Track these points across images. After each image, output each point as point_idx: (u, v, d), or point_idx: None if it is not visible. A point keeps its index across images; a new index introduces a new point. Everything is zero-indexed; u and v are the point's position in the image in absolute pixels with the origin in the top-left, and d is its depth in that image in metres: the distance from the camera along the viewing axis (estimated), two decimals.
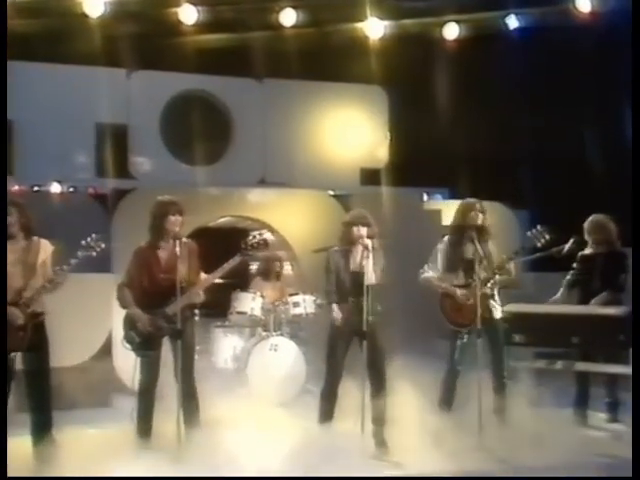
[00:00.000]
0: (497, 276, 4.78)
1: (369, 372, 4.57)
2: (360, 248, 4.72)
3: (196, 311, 4.81)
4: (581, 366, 5.19)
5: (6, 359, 4.16)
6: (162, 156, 7.60)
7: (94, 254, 4.36)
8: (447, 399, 4.81)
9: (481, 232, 4.83)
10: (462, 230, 4.85)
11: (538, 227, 4.80)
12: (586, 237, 5.47)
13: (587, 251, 5.48)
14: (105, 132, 7.34)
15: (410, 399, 4.82)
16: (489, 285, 4.75)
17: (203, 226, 6.64)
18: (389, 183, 7.70)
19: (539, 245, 4.82)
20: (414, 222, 6.85)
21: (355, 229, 4.75)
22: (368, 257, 4.63)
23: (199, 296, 4.60)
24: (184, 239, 4.68)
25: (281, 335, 6.06)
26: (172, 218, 4.57)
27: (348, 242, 4.79)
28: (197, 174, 7.42)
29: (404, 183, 7.68)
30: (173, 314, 4.51)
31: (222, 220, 7.07)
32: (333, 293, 4.82)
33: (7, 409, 4.10)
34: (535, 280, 6.51)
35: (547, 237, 4.77)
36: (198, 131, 7.36)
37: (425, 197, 8.10)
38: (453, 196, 7.85)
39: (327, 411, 4.62)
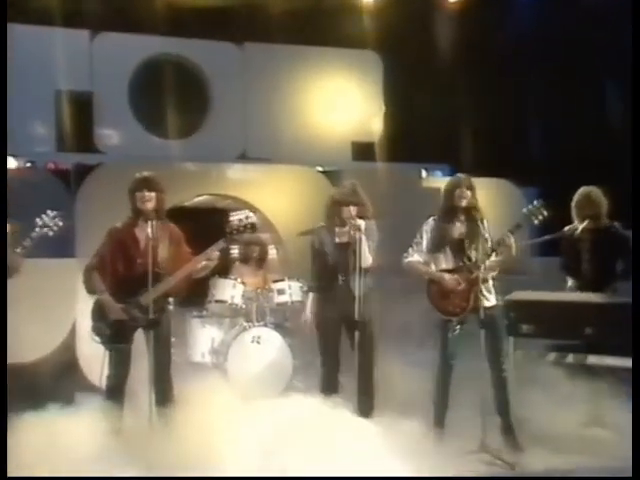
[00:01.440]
0: (492, 257, 4.70)
1: (357, 363, 4.60)
2: (350, 228, 4.69)
3: (170, 300, 4.82)
4: (594, 360, 5.19)
5: (6, 359, 4.14)
6: (131, 128, 7.53)
7: (51, 234, 4.28)
8: (441, 397, 4.77)
9: (470, 210, 4.78)
10: (449, 209, 4.80)
11: (535, 202, 4.72)
12: (574, 213, 5.43)
13: (575, 229, 5.44)
14: (67, 100, 7.25)
15: (402, 395, 4.82)
16: (482, 269, 4.68)
17: (178, 206, 6.54)
18: (384, 158, 7.68)
19: (536, 222, 4.74)
20: (411, 201, 6.78)
21: (345, 209, 4.71)
22: (360, 238, 4.59)
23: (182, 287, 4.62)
24: (168, 222, 4.69)
25: (265, 326, 6.05)
26: (139, 195, 4.55)
27: (336, 222, 4.76)
28: (171, 148, 7.38)
29: (400, 158, 7.65)
30: (148, 303, 4.50)
31: (199, 199, 7.02)
32: (316, 278, 4.77)
33: (7, 409, 4.10)
34: (544, 265, 6.50)
35: (545, 214, 4.69)
36: (172, 100, 7.31)
37: (424, 173, 8.08)
38: (454, 172, 7.69)
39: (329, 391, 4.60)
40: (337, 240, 4.78)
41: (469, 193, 4.79)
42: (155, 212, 4.58)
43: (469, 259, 4.69)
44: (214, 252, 4.54)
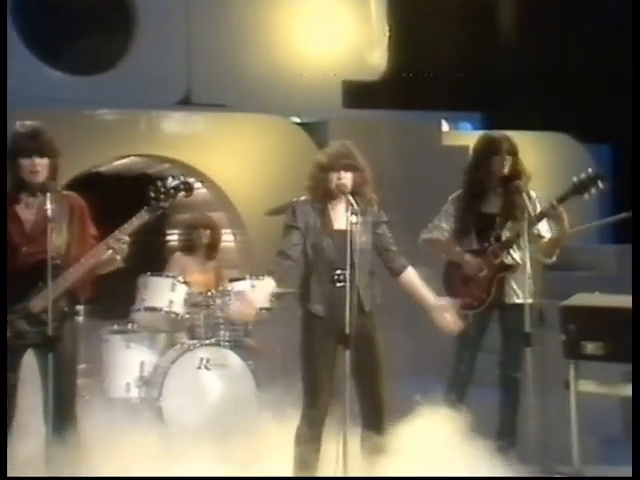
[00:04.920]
0: (542, 232, 4.92)
1: (358, 397, 4.61)
2: (343, 204, 4.68)
3: (79, 307, 4.81)
4: None
5: (6, 359, 4.38)
6: (21, 58, 7.46)
7: None
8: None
9: (512, 179, 5.01)
10: (481, 181, 5.04)
11: (590, 171, 4.90)
12: None
13: None
14: None
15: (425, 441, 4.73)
16: (512, 252, 4.95)
17: (91, 171, 6.63)
18: (388, 105, 7.69)
19: (587, 197, 4.91)
20: (428, 164, 6.86)
21: (334, 176, 4.70)
22: (356, 219, 4.60)
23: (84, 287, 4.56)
24: (64, 192, 4.65)
25: (217, 344, 6.04)
26: (24, 162, 4.49)
27: (323, 195, 4.76)
28: (79, 87, 7.35)
29: (411, 105, 7.66)
30: (41, 311, 4.47)
31: (121, 162, 7.06)
32: (286, 259, 4.68)
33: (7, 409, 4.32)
34: (619, 256, 6.45)
35: (601, 186, 4.85)
36: (80, 18, 7.30)
37: (445, 126, 8.17)
38: (487, 125, 7.92)
39: (306, 460, 4.60)
40: (335, 226, 4.78)
41: (510, 159, 5.00)
42: (48, 182, 4.54)
43: (497, 239, 4.95)
44: (130, 229, 4.47)
